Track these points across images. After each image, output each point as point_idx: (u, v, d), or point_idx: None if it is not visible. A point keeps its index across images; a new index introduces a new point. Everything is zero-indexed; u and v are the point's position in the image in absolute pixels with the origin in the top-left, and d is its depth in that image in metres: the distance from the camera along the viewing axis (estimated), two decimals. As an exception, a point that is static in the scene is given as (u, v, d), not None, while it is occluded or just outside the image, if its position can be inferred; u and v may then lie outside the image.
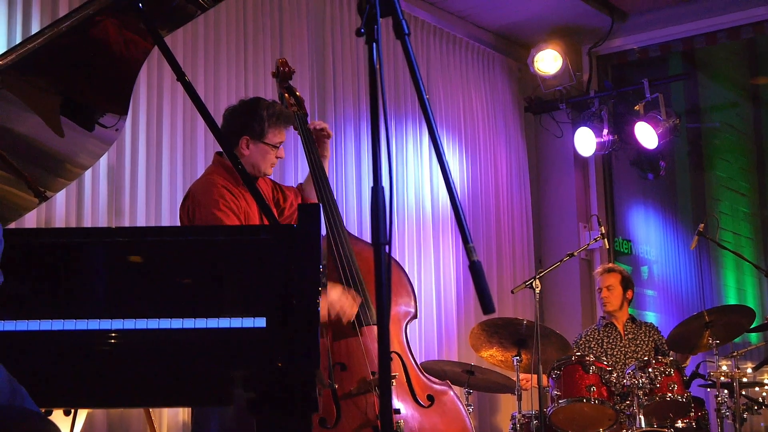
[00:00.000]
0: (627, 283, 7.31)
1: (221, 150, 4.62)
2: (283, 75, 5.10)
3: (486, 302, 2.34)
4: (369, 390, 4.62)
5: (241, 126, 4.66)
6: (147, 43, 3.49)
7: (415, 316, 5.04)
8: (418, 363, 4.97)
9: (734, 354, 6.76)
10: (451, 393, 4.91)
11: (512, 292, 6.89)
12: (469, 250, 2.38)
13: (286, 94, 5.06)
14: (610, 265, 7.71)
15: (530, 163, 9.27)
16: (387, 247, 2.37)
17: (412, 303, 5.03)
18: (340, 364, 4.67)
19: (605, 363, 6.40)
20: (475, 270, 2.36)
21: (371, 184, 2.38)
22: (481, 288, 2.35)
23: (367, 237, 5.00)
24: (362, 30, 2.42)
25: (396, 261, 5.26)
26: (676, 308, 10.35)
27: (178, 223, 4.92)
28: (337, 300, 4.50)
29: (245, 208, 4.45)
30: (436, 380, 5.00)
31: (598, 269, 7.56)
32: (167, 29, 3.69)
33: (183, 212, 4.56)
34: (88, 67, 3.49)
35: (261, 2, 6.72)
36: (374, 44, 2.43)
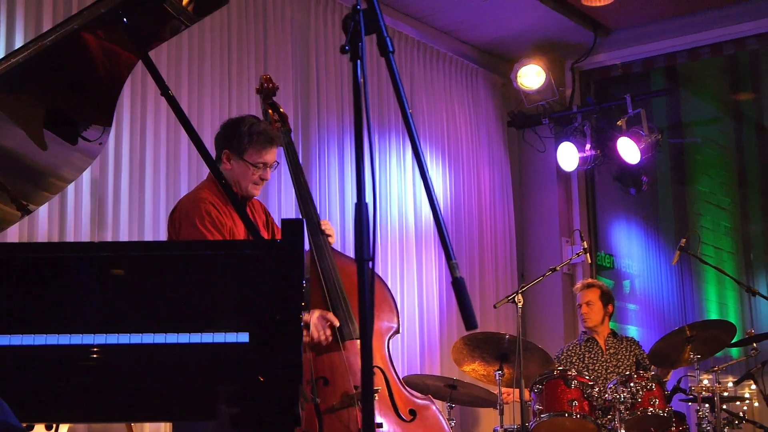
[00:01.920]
0: (607, 297, 7.32)
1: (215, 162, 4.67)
2: (266, 91, 5.12)
3: (469, 318, 2.36)
4: (352, 404, 4.63)
5: (224, 140, 4.72)
6: (131, 57, 3.49)
7: (397, 331, 5.06)
8: (401, 378, 4.99)
9: (715, 368, 6.79)
10: (434, 407, 4.93)
11: (495, 306, 6.91)
12: (452, 266, 2.39)
13: (270, 110, 5.08)
14: (590, 280, 7.73)
15: (513, 177, 9.30)
16: (371, 263, 2.38)
17: (395, 318, 5.05)
18: (322, 378, 4.68)
19: (587, 377, 6.41)
20: (458, 286, 2.38)
21: (355, 200, 2.40)
22: (464, 304, 2.37)
23: (351, 252, 5.02)
24: (347, 47, 2.43)
25: (379, 276, 5.27)
26: (657, 323, 10.38)
27: (163, 237, 4.92)
28: (313, 326, 4.55)
29: (230, 226, 4.47)
30: (419, 394, 5.02)
31: (578, 285, 7.57)
32: (152, 44, 3.69)
33: (170, 226, 4.57)
34: (73, 81, 3.49)
35: (245, 17, 6.74)
36: (359, 61, 2.44)
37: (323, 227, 4.95)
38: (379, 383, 4.76)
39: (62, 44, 3.20)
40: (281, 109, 5.12)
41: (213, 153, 5.81)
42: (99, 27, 3.27)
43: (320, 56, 7.29)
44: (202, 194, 4.54)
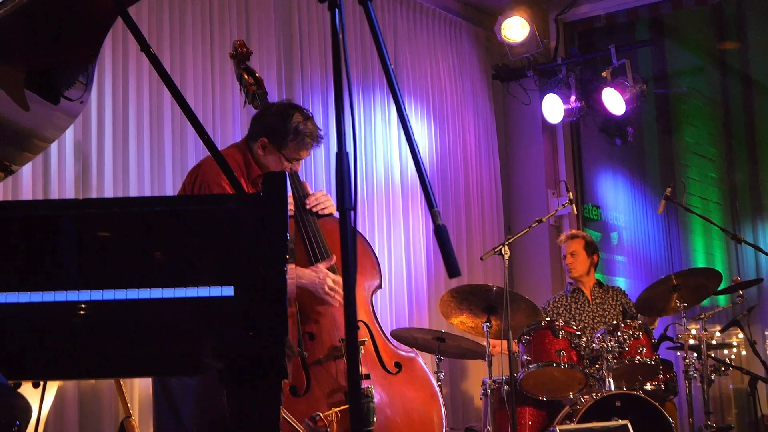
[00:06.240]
0: (591, 248, 7.34)
1: (248, 136, 4.76)
2: (240, 56, 5.12)
3: (451, 266, 2.35)
4: (339, 356, 4.67)
5: (265, 128, 4.69)
6: (111, 11, 3.46)
7: (380, 286, 5.11)
8: (386, 333, 5.02)
9: (702, 316, 6.83)
10: (419, 360, 4.97)
11: (481, 258, 6.91)
12: (434, 214, 2.39)
13: (245, 75, 5.09)
14: (573, 231, 7.75)
15: (498, 130, 9.28)
16: (352, 212, 2.37)
17: (377, 274, 5.08)
18: (308, 333, 4.71)
19: (574, 328, 6.45)
20: (440, 234, 2.37)
21: (336, 150, 2.39)
22: (447, 252, 2.36)
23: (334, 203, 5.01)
24: (324, -4, 2.42)
25: (360, 233, 5.29)
26: (645, 273, 10.43)
27: (147, 194, 4.90)
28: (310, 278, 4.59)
29: None
30: (404, 347, 5.06)
31: (562, 236, 7.60)
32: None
33: (188, 180, 4.56)
34: (52, 37, 3.47)
35: (226, -28, 6.69)
36: (336, 10, 2.43)
37: (320, 198, 4.96)
38: (363, 336, 4.79)
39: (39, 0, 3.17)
40: (257, 74, 5.12)
41: (200, 115, 5.83)
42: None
43: (302, 9, 7.24)
44: (228, 162, 4.45)
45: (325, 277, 4.65)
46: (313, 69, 7.25)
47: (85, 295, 2.78)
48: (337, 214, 5.01)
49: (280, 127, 4.63)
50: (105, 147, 5.80)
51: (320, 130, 4.79)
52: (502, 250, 6.30)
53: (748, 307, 7.48)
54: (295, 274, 4.60)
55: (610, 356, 6.24)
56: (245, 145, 4.74)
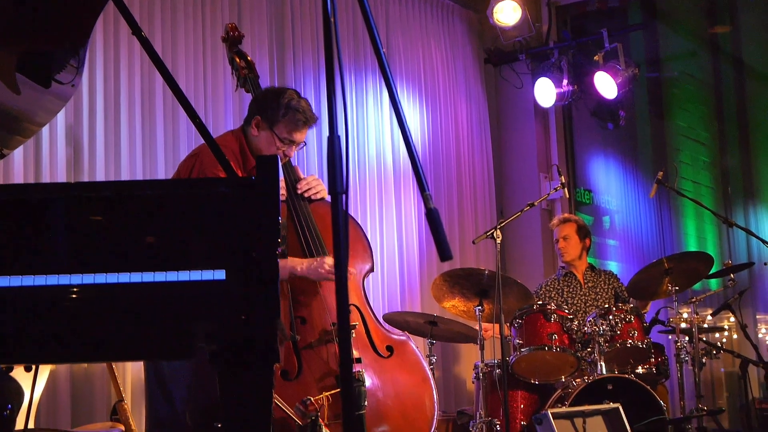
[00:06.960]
0: (584, 232, 7.34)
1: (245, 121, 4.83)
2: (232, 39, 5.15)
3: (443, 249, 2.35)
4: (330, 340, 4.67)
5: (259, 106, 4.77)
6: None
7: (371, 270, 5.11)
8: (378, 316, 5.02)
9: (693, 300, 6.84)
10: (411, 343, 4.97)
11: (473, 242, 6.91)
12: (425, 197, 2.39)
13: (237, 58, 5.11)
14: (566, 215, 7.74)
15: (491, 114, 9.27)
16: (344, 196, 2.37)
17: (369, 257, 5.09)
18: (300, 317, 4.71)
19: (566, 311, 6.45)
20: (432, 217, 2.37)
21: (327, 134, 2.39)
22: (438, 235, 2.36)
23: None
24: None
25: (352, 217, 5.30)
26: (637, 257, 10.45)
27: (139, 178, 4.88)
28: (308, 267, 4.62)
29: None
30: (396, 331, 5.07)
31: (554, 220, 7.59)
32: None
33: (185, 166, 4.56)
34: (42, 20, 3.45)
35: (217, -45, 6.66)
36: (328, -7, 2.43)
37: (311, 182, 4.97)
38: (355, 320, 4.80)
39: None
40: (249, 57, 5.14)
41: (192, 98, 5.82)
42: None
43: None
44: (224, 148, 4.45)
45: (322, 260, 4.67)
46: (305, 52, 7.24)
47: (77, 279, 2.77)
48: (328, 198, 5.06)
49: (273, 103, 4.72)
50: (96, 131, 5.78)
51: (314, 113, 4.83)
52: (494, 234, 6.29)
53: (739, 290, 7.49)
54: (290, 264, 4.61)
55: (601, 340, 6.24)
56: (241, 132, 4.77)
